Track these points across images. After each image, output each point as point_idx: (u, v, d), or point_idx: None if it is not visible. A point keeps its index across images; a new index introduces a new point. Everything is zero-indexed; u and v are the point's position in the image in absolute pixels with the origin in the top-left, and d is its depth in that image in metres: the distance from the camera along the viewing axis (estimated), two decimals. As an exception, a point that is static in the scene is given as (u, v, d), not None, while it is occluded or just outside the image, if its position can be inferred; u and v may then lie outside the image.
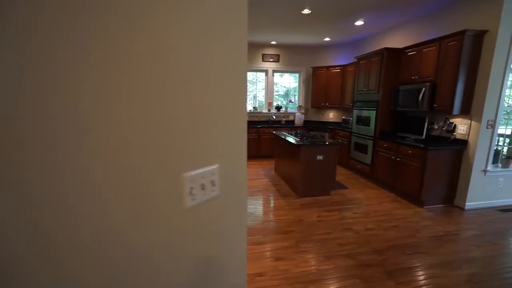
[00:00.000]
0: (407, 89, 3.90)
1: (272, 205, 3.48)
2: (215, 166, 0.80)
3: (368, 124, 4.52)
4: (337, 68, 5.90)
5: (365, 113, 4.60)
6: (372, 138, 4.40)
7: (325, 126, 6.12)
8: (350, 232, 2.76)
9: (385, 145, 4.07)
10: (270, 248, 2.44)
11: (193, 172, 0.72)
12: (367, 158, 4.53)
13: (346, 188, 4.19)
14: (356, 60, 4.99)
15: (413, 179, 3.49)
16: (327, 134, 5.90)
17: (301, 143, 3.62)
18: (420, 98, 3.59)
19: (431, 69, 3.52)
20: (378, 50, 4.23)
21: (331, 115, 6.49)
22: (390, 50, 4.09)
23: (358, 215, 3.17)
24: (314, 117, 6.75)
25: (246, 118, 0.94)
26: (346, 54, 6.04)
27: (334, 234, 2.72)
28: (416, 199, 3.50)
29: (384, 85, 4.18)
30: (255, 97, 6.75)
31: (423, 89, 3.56)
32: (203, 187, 0.76)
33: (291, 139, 3.94)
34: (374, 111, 4.33)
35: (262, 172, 5.08)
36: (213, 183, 0.80)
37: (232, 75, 0.82)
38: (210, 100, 0.75)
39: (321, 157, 3.64)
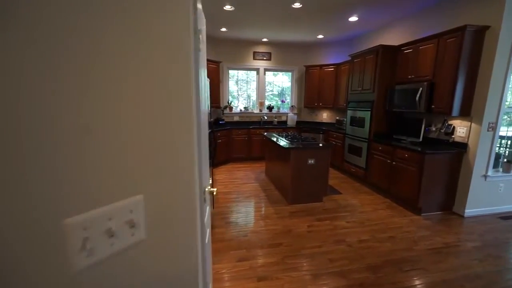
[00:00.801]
0: (403, 89, 3.70)
1: (259, 213, 3.24)
2: (136, 198, 0.55)
3: (362, 125, 4.30)
4: (330, 66, 5.69)
5: (359, 114, 4.39)
6: (366, 140, 4.19)
7: (318, 127, 5.90)
8: (342, 244, 2.53)
9: (380, 148, 3.85)
10: (254, 265, 2.19)
11: (88, 214, 0.47)
12: (362, 161, 4.31)
13: (339, 193, 3.97)
14: (350, 58, 4.77)
15: (409, 184, 3.28)
16: (321, 135, 5.69)
17: (291, 146, 3.38)
18: (417, 98, 3.38)
19: (429, 68, 3.31)
20: (373, 47, 4.02)
21: (325, 116, 6.28)
22: (385, 47, 3.87)
23: (351, 225, 2.94)
24: (307, 117, 6.53)
25: (194, 122, 0.70)
26: (340, 53, 5.82)
27: (325, 247, 2.48)
28: (412, 206, 3.29)
29: (379, 84, 3.96)
30: (249, 96, 6.48)
31: (420, 89, 3.35)
32: (111, 233, 0.51)
33: (281, 141, 3.70)
34: (369, 112, 4.12)
35: (252, 176, 4.83)
36: (132, 225, 0.54)
37: (166, 62, 0.57)
38: (125, 96, 0.50)
39: (312, 161, 3.41)
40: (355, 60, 4.54)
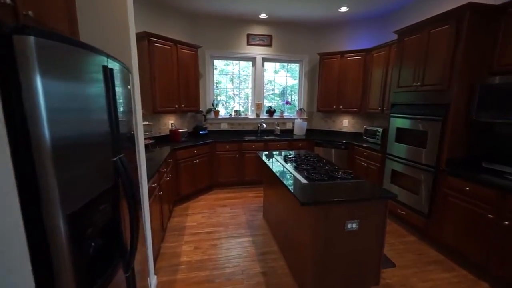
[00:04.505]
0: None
1: None
2: None
3: (422, 143, 2.62)
4: (357, 54, 4.00)
5: (416, 124, 2.71)
6: (432, 169, 2.51)
7: (337, 139, 4.22)
8: None
9: (466, 188, 2.17)
10: None
11: None
12: (421, 203, 2.64)
13: (391, 264, 2.29)
14: (396, 37, 3.10)
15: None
16: (332, 151, 4.01)
17: (308, 198, 1.70)
18: None
19: None
20: (450, 10, 2.32)
21: (346, 123, 4.59)
22: (477, 8, 2.18)
23: None
24: (320, 124, 4.84)
25: None
26: (370, 33, 4.13)
27: None
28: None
29: (462, 75, 2.28)
30: (248, 97, 4.77)
31: None
32: None
33: (289, 175, 2.03)
34: (439, 123, 2.43)
35: (243, 218, 3.15)
36: None
37: None
38: None
39: (354, 225, 1.73)
40: (406, 39, 2.85)
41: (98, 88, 0.94)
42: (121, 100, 1.40)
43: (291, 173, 2.21)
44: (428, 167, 2.55)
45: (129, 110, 1.49)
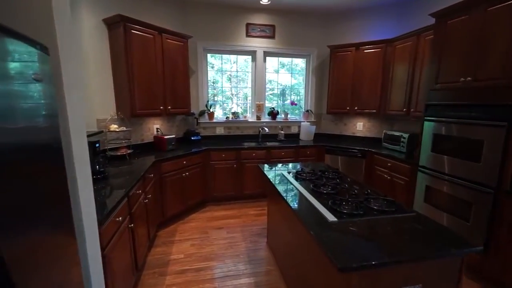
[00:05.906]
0: None
1: None
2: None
3: (474, 155, 2.03)
4: (375, 45, 3.41)
5: (464, 130, 2.11)
6: (491, 189, 1.91)
7: (350, 145, 3.62)
8: None
9: (551, 221, 1.57)
10: None
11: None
12: (473, 233, 2.03)
13: (443, 322, 1.68)
14: (427, 23, 2.51)
15: None
16: (339, 158, 3.42)
17: (347, 257, 1.09)
18: None
19: None
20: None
21: (360, 127, 3.99)
22: None
23: None
24: (330, 128, 4.24)
25: None
26: (391, 21, 3.53)
27: None
28: None
29: (538, 66, 1.69)
30: (247, 97, 4.17)
31: None
32: None
33: (309, 212, 1.43)
34: (502, 129, 1.84)
35: (242, 246, 2.54)
36: None
37: None
38: None
39: (415, 292, 1.12)
40: (450, 22, 2.25)
41: None
42: (43, 101, 0.85)
43: (307, 199, 1.60)
44: (484, 187, 1.95)
45: (51, 114, 0.91)
